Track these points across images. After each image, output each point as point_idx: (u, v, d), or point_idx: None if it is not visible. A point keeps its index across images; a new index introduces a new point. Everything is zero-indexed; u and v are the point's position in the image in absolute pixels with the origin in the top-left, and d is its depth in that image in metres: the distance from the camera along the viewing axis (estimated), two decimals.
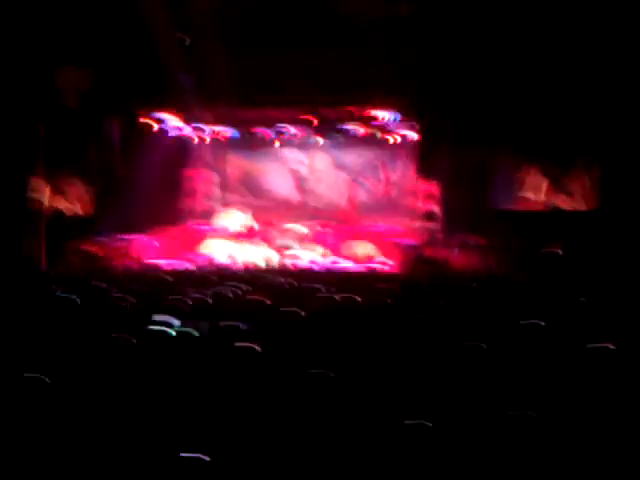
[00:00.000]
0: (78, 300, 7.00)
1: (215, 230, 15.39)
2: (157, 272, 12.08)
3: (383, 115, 14.24)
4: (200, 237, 15.18)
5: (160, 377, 4.07)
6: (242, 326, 5.48)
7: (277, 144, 15.67)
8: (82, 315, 6.02)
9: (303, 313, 6.13)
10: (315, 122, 14.76)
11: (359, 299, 7.06)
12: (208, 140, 15.75)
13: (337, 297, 7.27)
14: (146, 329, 5.34)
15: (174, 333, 5.31)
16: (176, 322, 5.63)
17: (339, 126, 14.94)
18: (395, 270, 12.89)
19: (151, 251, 14.19)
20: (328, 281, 9.09)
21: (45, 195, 13.59)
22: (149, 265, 13.42)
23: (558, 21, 11.59)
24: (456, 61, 12.35)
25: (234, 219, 15.48)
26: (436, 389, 3.89)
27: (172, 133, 15.22)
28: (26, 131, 13.02)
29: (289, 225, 14.96)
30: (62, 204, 13.91)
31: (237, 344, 4.68)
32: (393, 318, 5.70)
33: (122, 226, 13.73)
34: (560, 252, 11.70)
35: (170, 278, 10.30)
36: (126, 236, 13.81)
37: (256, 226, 15.31)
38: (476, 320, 5.69)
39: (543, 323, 5.36)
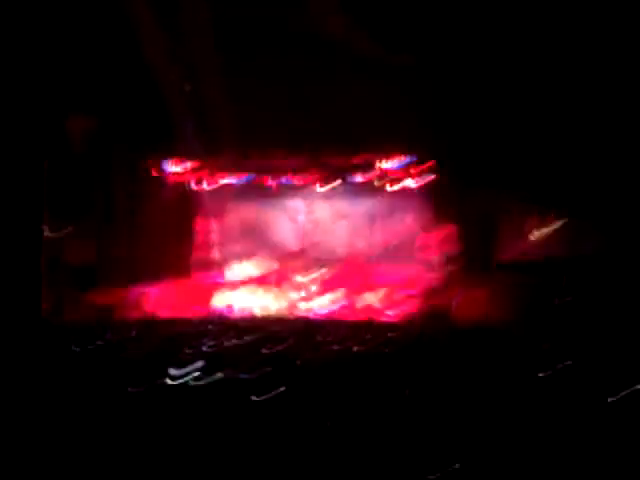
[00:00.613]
0: (88, 352, 6.98)
1: (224, 280, 15.41)
2: (167, 323, 12.01)
3: (389, 163, 14.35)
4: (209, 287, 15.17)
5: (172, 428, 4.06)
6: (245, 375, 5.45)
7: (281, 193, 15.76)
8: (93, 367, 5.98)
9: (304, 361, 6.11)
10: (321, 171, 14.90)
11: (360, 348, 7.02)
12: (213, 189, 15.87)
13: (338, 346, 7.23)
14: (159, 381, 5.32)
15: (188, 383, 5.29)
16: (187, 372, 5.60)
17: (345, 175, 15.05)
18: (399, 319, 12.81)
19: (161, 302, 14.14)
20: (332, 330, 9.06)
21: (53, 243, 13.56)
22: (158, 316, 13.35)
23: (571, 67, 11.63)
24: (468, 109, 12.40)
25: (241, 268, 15.51)
26: (437, 437, 3.85)
27: (177, 181, 15.35)
28: (32, 178, 13.08)
29: (300, 275, 14.97)
30: (69, 253, 13.84)
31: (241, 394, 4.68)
32: (394, 367, 5.66)
33: (130, 276, 13.69)
34: (567, 301, 11.59)
35: (181, 329, 10.24)
36: (135, 286, 13.76)
37: (264, 275, 15.31)
38: (479, 371, 5.63)
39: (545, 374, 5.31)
